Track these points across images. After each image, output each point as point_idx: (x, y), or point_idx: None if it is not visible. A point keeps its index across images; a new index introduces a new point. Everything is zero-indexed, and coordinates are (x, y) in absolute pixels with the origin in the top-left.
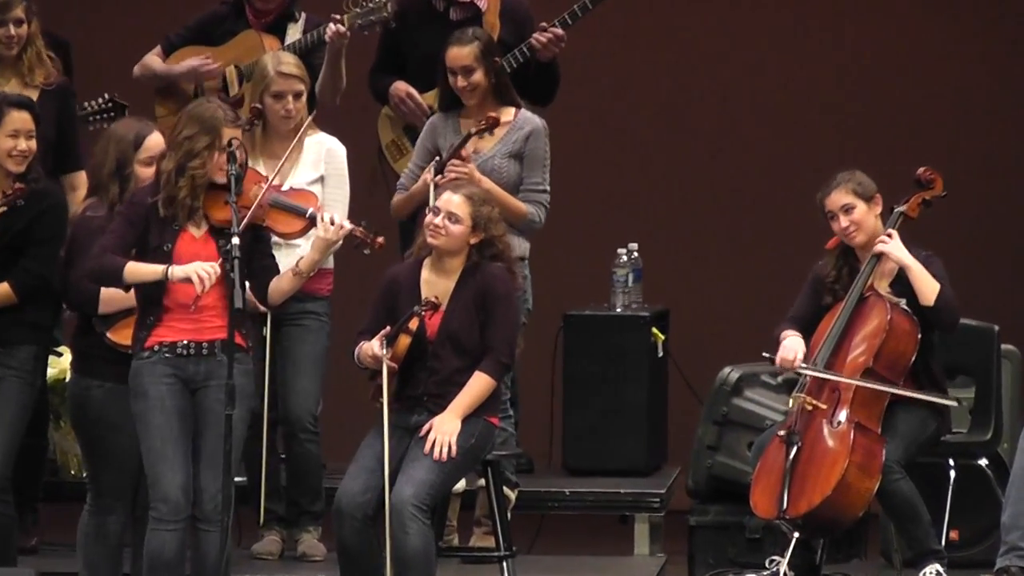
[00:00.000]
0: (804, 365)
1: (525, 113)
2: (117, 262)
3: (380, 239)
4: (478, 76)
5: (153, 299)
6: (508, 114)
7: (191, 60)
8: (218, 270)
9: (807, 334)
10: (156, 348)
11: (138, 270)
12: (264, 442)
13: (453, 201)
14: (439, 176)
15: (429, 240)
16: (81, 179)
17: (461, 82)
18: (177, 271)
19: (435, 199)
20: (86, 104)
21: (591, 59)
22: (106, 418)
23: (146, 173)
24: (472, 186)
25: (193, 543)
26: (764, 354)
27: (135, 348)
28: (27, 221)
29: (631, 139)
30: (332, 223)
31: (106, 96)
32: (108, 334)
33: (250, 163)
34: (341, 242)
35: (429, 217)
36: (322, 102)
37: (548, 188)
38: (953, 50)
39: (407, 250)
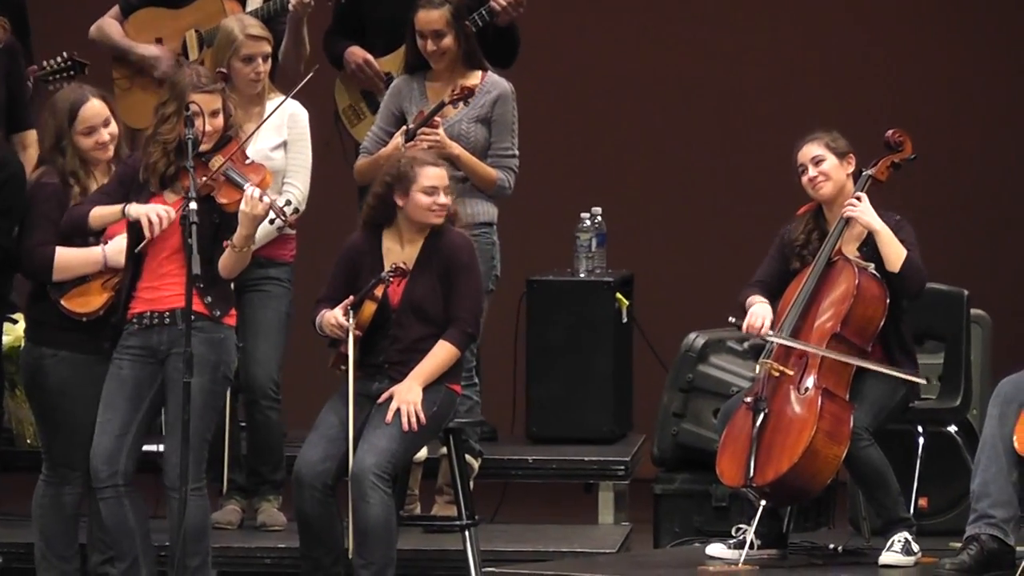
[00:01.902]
0: (771, 333)
1: (492, 77)
2: (83, 210)
3: (293, 217)
4: (448, 40)
5: (131, 262)
6: (475, 78)
7: (153, 49)
8: (172, 214)
9: (772, 299)
10: (132, 320)
11: (102, 211)
12: (227, 411)
13: (445, 176)
14: (410, 143)
15: (434, 220)
16: (32, 137)
17: (431, 46)
18: (132, 209)
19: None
20: (44, 63)
21: (555, 23)
22: (59, 387)
23: (87, 143)
24: (441, 153)
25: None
26: (731, 319)
27: (119, 319)
28: None
29: (594, 103)
30: (253, 197)
31: (65, 55)
32: (62, 301)
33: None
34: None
35: (431, 199)
36: (285, 69)
37: (517, 152)
38: (926, 14)
39: None
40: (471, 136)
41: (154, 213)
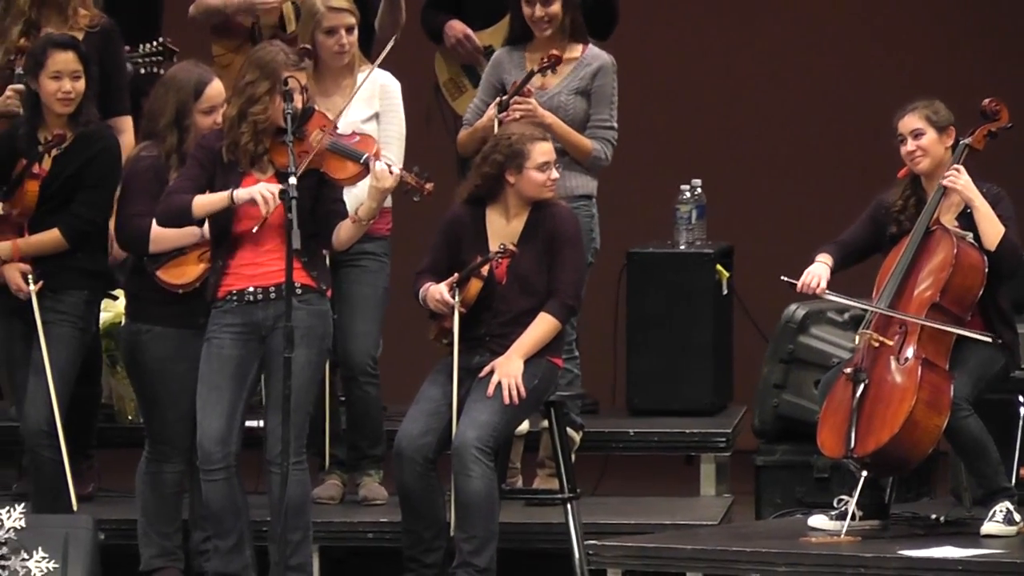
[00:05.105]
0: (829, 293)
1: (593, 49)
2: (184, 199)
3: (429, 185)
4: (556, 7)
5: (222, 235)
6: (576, 51)
7: None
8: (277, 190)
9: (849, 261)
10: (227, 297)
11: (206, 201)
12: (327, 386)
13: (553, 149)
14: (503, 113)
15: (547, 195)
16: (127, 123)
17: (539, 11)
18: (242, 193)
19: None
20: (139, 47)
21: None
22: (156, 363)
23: (205, 123)
24: (537, 123)
25: (267, 485)
26: (783, 278)
27: (209, 295)
28: (78, 166)
29: (694, 75)
30: (384, 169)
31: (158, 40)
32: (158, 273)
33: (317, 106)
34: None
35: (545, 175)
36: (381, 38)
37: (615, 125)
38: None
39: None
40: (570, 108)
41: (266, 190)
